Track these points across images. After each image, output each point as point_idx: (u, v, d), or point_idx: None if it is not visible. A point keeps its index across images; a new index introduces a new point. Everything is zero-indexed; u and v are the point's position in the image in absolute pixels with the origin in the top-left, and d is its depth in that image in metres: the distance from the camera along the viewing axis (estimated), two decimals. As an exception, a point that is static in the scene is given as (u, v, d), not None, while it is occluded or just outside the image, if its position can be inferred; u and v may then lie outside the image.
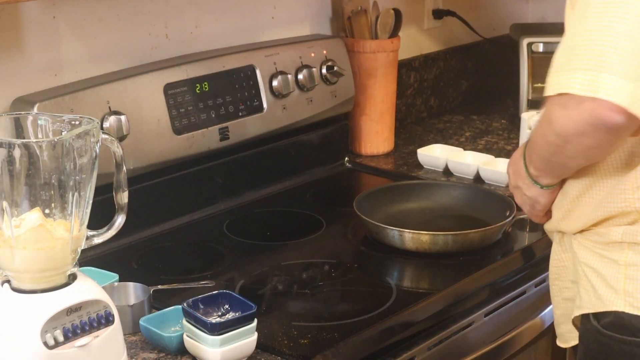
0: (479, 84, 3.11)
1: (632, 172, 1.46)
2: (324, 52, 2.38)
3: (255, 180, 2.27)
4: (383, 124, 2.55)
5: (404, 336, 1.71)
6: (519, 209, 1.79)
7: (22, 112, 1.49)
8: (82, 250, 1.41)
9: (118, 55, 2.08)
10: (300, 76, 2.31)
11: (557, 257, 1.63)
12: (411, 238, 1.94)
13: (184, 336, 1.55)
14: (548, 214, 1.65)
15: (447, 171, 2.42)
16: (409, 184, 2.23)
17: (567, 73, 1.35)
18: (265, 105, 2.24)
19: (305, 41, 2.38)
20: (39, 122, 1.42)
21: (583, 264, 1.53)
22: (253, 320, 1.53)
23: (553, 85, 1.38)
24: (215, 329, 1.49)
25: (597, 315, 1.50)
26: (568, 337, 1.63)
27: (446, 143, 2.58)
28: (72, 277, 1.39)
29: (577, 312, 1.54)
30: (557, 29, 1.47)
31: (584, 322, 1.54)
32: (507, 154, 2.53)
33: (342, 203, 2.23)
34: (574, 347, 1.62)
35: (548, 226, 1.65)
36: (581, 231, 1.54)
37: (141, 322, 1.59)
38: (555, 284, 1.64)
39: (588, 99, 1.32)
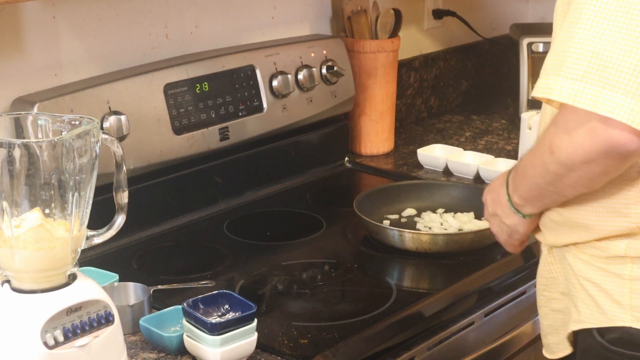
0: (479, 84, 3.11)
1: (634, 186, 1.38)
2: (324, 52, 2.38)
3: (255, 180, 2.27)
4: (383, 124, 2.55)
5: (404, 336, 1.71)
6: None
7: (22, 112, 1.49)
8: (82, 250, 1.41)
9: (118, 55, 2.08)
10: (300, 76, 2.31)
11: (546, 269, 1.57)
12: (411, 238, 1.94)
13: (184, 336, 1.55)
14: (523, 244, 1.61)
15: (447, 171, 2.42)
16: (409, 184, 2.22)
17: (557, 78, 1.26)
18: (265, 105, 2.24)
19: (305, 41, 2.38)
20: (39, 122, 1.42)
21: (581, 277, 1.46)
22: (253, 320, 1.53)
23: (541, 88, 1.28)
24: (215, 329, 1.49)
25: (602, 331, 1.44)
26: (555, 349, 1.58)
27: (446, 143, 2.58)
28: (72, 277, 1.39)
29: (576, 327, 1.48)
30: (558, 29, 1.46)
31: (584, 337, 1.47)
32: (507, 154, 2.53)
33: (342, 203, 2.23)
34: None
35: (541, 239, 1.58)
36: (575, 244, 1.47)
37: (141, 322, 1.59)
38: (543, 294, 1.59)
39: (595, 119, 1.24)
